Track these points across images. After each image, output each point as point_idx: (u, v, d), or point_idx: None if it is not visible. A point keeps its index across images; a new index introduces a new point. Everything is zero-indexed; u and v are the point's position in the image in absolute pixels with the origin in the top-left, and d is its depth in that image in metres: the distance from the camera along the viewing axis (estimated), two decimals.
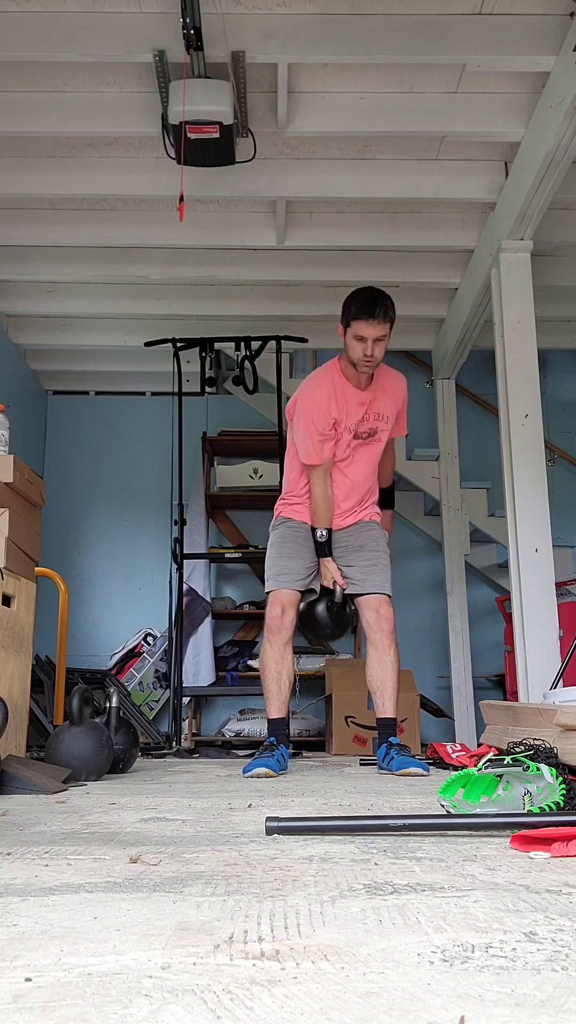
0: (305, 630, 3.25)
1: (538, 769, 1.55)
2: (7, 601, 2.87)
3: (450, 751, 3.15)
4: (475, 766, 1.61)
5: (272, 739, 2.93)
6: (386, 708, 3.00)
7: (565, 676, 3.31)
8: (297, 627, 3.11)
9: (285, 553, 3.11)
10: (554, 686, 3.24)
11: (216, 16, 3.16)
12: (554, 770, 1.54)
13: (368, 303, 2.87)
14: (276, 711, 3.00)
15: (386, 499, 3.31)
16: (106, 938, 0.78)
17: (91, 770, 2.62)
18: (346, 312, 2.92)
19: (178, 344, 5.03)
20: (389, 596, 3.08)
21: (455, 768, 2.83)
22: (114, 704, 2.96)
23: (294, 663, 3.09)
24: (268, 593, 3.12)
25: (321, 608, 3.08)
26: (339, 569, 3.08)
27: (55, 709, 4.16)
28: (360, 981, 0.65)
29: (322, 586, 3.08)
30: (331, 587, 3.05)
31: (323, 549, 3.05)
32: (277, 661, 3.00)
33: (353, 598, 3.09)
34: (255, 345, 5.05)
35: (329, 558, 3.06)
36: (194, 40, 3.15)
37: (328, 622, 3.09)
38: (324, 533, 3.05)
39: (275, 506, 3.26)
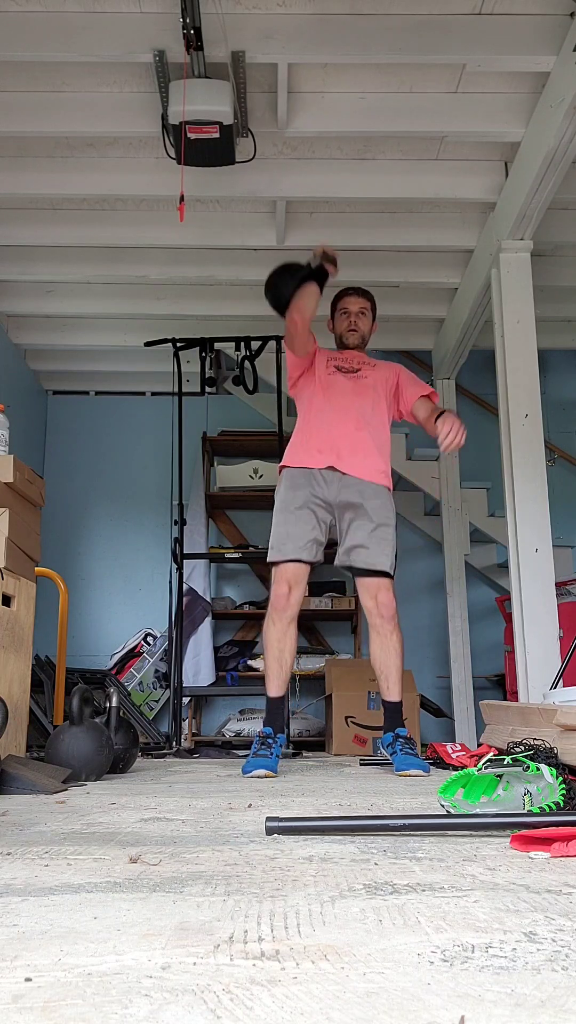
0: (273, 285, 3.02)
1: (538, 769, 1.55)
2: (7, 601, 2.87)
3: (450, 751, 3.15)
4: (475, 766, 1.61)
5: (268, 729, 2.90)
6: (391, 691, 2.97)
7: (565, 676, 3.31)
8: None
9: (288, 516, 3.01)
10: (554, 686, 3.23)
11: (216, 16, 3.16)
12: (554, 770, 1.54)
13: (349, 287, 3.36)
14: (275, 689, 2.97)
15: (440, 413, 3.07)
16: (106, 938, 0.78)
17: (91, 770, 2.62)
18: (332, 303, 3.36)
19: (178, 344, 5.03)
20: (389, 575, 2.99)
21: (455, 768, 2.83)
22: (114, 704, 2.96)
23: (297, 641, 3.03)
24: (272, 565, 3.02)
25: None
26: (338, 528, 3.04)
27: (55, 709, 4.16)
28: (360, 981, 0.65)
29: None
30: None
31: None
32: (280, 639, 2.96)
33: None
34: (255, 345, 5.05)
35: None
36: (194, 40, 3.15)
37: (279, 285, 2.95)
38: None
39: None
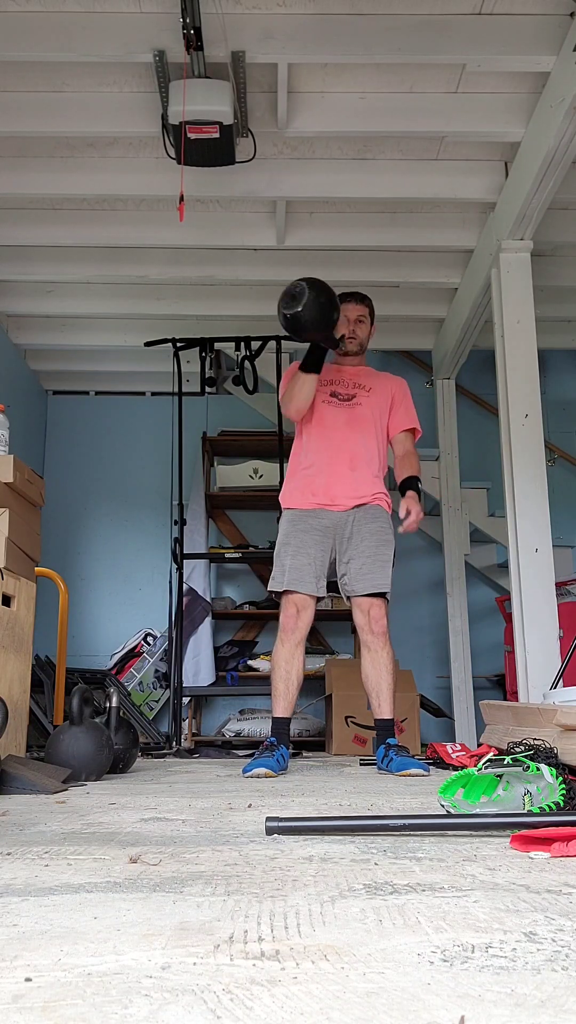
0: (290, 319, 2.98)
1: (538, 769, 1.55)
2: (7, 601, 2.87)
3: (450, 751, 3.15)
4: (475, 766, 1.61)
5: (273, 739, 2.93)
6: (382, 710, 3.00)
7: (565, 676, 3.31)
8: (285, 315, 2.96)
9: (292, 549, 3.07)
10: (554, 686, 3.24)
11: (216, 16, 3.16)
12: (554, 770, 1.54)
13: (347, 292, 3.28)
14: (282, 710, 2.99)
15: (410, 483, 3.19)
16: (106, 938, 0.78)
17: (91, 770, 2.62)
18: None
19: (178, 344, 5.03)
20: (384, 595, 3.04)
21: (455, 768, 2.83)
22: (114, 704, 2.96)
23: (304, 664, 3.07)
24: (276, 593, 3.08)
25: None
26: (338, 563, 3.07)
27: (55, 709, 4.16)
28: (360, 981, 0.65)
29: None
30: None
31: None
32: (287, 660, 2.99)
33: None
34: (255, 345, 5.05)
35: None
36: (194, 40, 3.15)
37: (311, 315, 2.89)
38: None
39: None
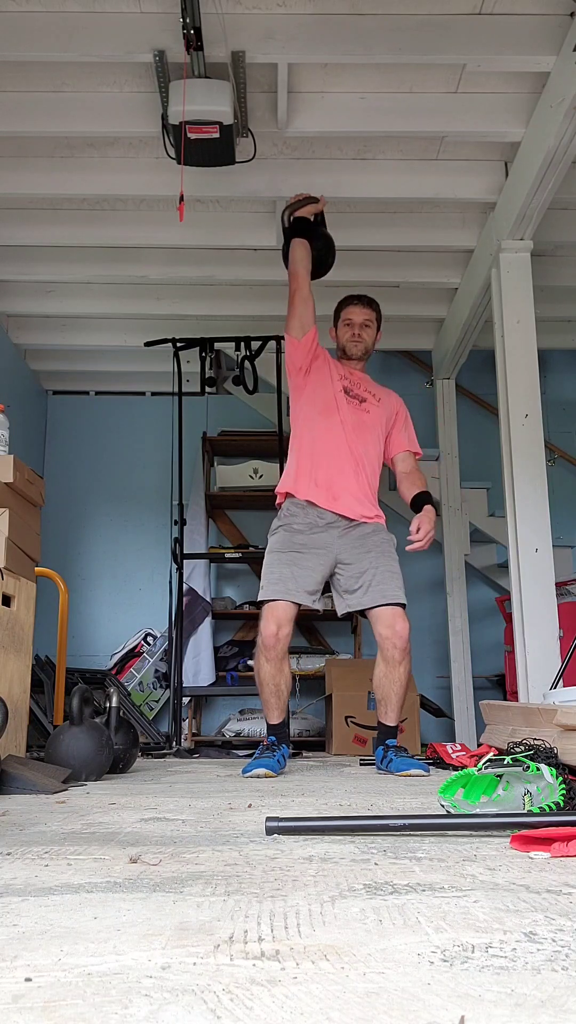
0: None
1: (538, 769, 1.55)
2: (7, 601, 2.87)
3: (450, 751, 3.15)
4: (475, 766, 1.61)
5: (273, 738, 2.92)
6: (388, 716, 2.98)
7: (565, 676, 3.31)
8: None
9: (282, 557, 2.97)
10: (554, 686, 3.23)
11: (216, 16, 3.16)
12: (554, 770, 1.54)
13: (354, 295, 3.32)
14: (276, 718, 2.96)
15: (424, 498, 3.12)
16: (106, 938, 0.78)
17: (91, 770, 2.62)
18: (336, 309, 3.32)
19: (178, 344, 5.03)
20: (403, 605, 2.95)
21: (455, 768, 2.83)
22: (114, 704, 2.96)
23: (291, 669, 3.01)
24: (261, 603, 2.96)
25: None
26: (342, 578, 3.01)
27: (55, 709, 4.16)
28: (360, 981, 0.65)
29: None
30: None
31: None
32: (275, 675, 2.90)
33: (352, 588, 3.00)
34: (255, 345, 5.05)
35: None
36: (194, 40, 3.15)
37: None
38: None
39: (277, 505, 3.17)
